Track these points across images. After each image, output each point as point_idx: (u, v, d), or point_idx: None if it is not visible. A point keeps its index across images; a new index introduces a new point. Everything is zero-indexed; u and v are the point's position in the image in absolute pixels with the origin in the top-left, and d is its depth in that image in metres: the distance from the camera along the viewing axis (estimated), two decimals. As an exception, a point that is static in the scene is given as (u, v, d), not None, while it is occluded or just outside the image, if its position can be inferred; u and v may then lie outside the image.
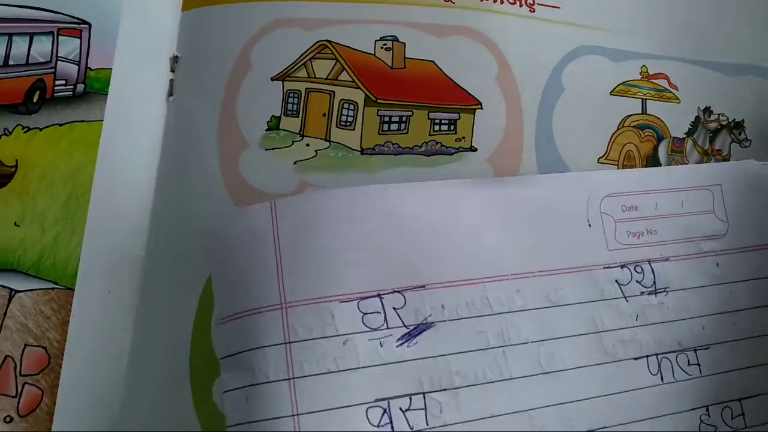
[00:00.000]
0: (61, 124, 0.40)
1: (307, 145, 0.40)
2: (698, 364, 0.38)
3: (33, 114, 0.40)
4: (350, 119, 0.40)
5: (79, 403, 0.37)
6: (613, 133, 0.43)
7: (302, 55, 0.40)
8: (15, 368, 0.37)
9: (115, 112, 0.40)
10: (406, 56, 0.41)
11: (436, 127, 0.40)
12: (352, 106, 0.40)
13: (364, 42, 0.39)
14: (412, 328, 0.35)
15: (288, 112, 0.40)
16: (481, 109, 0.40)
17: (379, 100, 0.40)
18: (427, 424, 0.34)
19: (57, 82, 0.40)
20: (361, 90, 0.40)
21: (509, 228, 0.36)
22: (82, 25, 0.39)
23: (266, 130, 0.39)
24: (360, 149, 0.39)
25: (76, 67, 0.40)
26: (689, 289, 0.38)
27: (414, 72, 0.42)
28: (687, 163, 0.43)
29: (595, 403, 0.36)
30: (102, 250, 0.37)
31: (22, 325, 0.37)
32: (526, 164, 0.40)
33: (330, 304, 0.34)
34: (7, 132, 0.39)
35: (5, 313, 0.37)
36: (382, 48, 0.41)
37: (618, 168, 0.41)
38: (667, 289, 0.38)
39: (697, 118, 0.43)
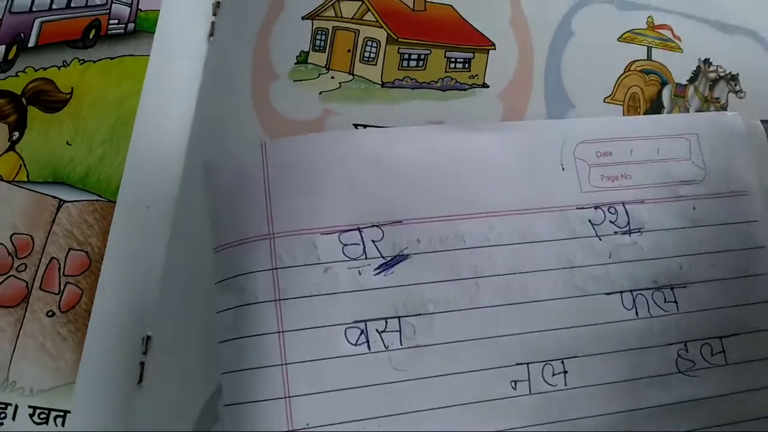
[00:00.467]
0: (112, 58, 0.43)
1: (332, 77, 0.41)
2: (675, 302, 0.38)
3: (89, 48, 0.43)
4: (373, 55, 0.41)
5: (115, 302, 0.39)
6: (620, 76, 0.43)
7: None
8: (59, 269, 0.39)
9: (161, 49, 0.42)
10: (427, 0, 0.43)
11: (452, 65, 0.41)
12: (375, 44, 0.41)
13: (388, -14, 0.33)
14: (388, 258, 0.35)
15: (316, 48, 0.41)
16: (495, 49, 0.41)
17: (400, 39, 0.41)
18: (401, 345, 0.35)
19: (111, 22, 0.43)
20: (384, 29, 0.41)
21: (483, 170, 0.37)
22: None
23: (295, 63, 0.40)
24: (381, 83, 0.41)
25: (128, 9, 0.43)
26: (665, 230, 0.39)
27: (433, 14, 0.43)
28: (689, 108, 0.44)
29: (566, 333, 0.37)
30: (142, 169, 0.40)
31: (68, 231, 0.40)
32: (535, 101, 0.41)
33: (313, 236, 0.35)
34: (65, 63, 0.42)
35: (54, 221, 0.40)
36: None
37: (623, 108, 0.43)
38: (641, 230, 0.38)
39: (698, 67, 0.44)
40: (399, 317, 0.36)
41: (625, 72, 0.43)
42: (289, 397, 0.34)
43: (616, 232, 0.38)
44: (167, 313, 0.38)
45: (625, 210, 0.39)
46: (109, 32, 0.42)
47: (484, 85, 0.41)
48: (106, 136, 0.41)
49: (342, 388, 0.34)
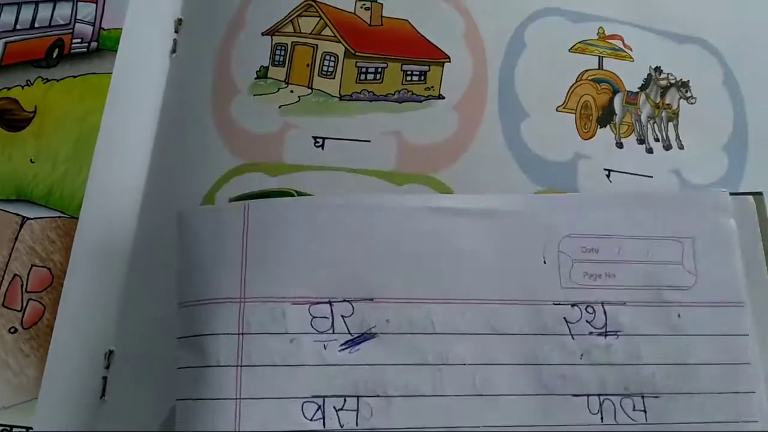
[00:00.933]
0: (75, 76, 0.44)
1: (291, 91, 0.43)
2: (644, 411, 0.37)
3: (52, 68, 0.44)
4: (331, 69, 0.44)
5: (77, 318, 0.40)
6: (572, 85, 0.45)
7: (290, 12, 0.45)
8: (22, 286, 0.41)
9: (123, 67, 0.44)
10: (383, 15, 0.45)
11: (408, 78, 0.44)
12: (333, 58, 0.44)
13: (345, 2, 0.45)
14: (356, 335, 0.36)
15: (275, 63, 0.44)
16: (449, 62, 0.44)
17: (357, 53, 0.44)
18: (357, 425, 0.35)
19: (74, 41, 0.45)
20: (342, 44, 0.44)
21: (463, 256, 0.37)
22: None
23: (255, 78, 0.43)
24: (339, 96, 0.43)
25: (91, 28, 0.45)
26: (643, 336, 0.38)
27: (389, 29, 0.45)
28: (641, 114, 0.46)
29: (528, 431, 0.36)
30: (105, 185, 0.42)
31: (30, 248, 0.41)
32: (490, 112, 0.44)
33: (283, 305, 0.36)
34: (29, 83, 0.44)
35: (17, 238, 0.41)
36: (361, 8, 0.45)
37: (575, 117, 0.44)
38: (618, 333, 0.37)
39: (649, 75, 0.46)
40: (358, 396, 0.36)
41: (577, 81, 0.45)
42: (238, 464, 0.33)
43: (591, 333, 0.37)
44: (130, 328, 0.40)
45: (604, 311, 0.38)
46: (72, 51, 0.45)
47: (440, 97, 0.44)
48: (69, 153, 0.43)
49: (292, 461, 0.34)
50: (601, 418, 0.37)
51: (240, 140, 0.42)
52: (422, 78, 0.44)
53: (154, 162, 0.43)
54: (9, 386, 0.39)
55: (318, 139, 0.42)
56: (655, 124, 0.45)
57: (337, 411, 0.35)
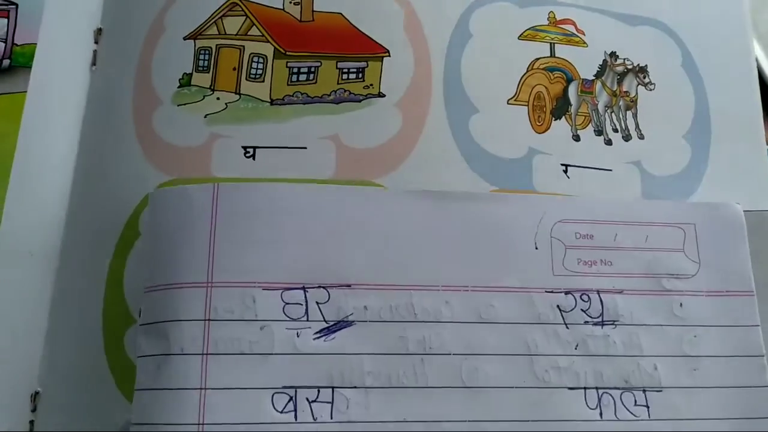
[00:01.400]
0: None
1: (218, 98, 0.42)
2: (647, 406, 0.36)
3: None
4: (260, 72, 0.43)
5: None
6: (523, 76, 0.45)
7: (214, 13, 0.44)
8: None
9: (39, 84, 0.43)
10: (315, 9, 0.44)
11: (345, 76, 0.43)
12: (261, 59, 0.43)
13: (273, -2, 0.52)
14: (331, 323, 0.35)
15: (199, 69, 0.43)
16: (389, 56, 0.44)
17: (287, 53, 0.43)
18: (332, 418, 0.34)
19: None
20: (271, 43, 0.43)
21: (446, 240, 0.37)
22: (9, 6, 0.44)
23: (178, 87, 0.43)
24: (270, 100, 0.42)
25: (2, 44, 0.44)
26: (643, 326, 0.37)
27: (322, 24, 0.44)
28: (597, 104, 0.45)
29: (519, 426, 0.35)
30: (23, 214, 0.40)
31: None
32: (435, 108, 0.43)
33: (253, 290, 0.35)
34: None
35: None
36: (290, 3, 0.44)
37: (528, 109, 0.43)
38: (616, 322, 0.37)
39: (605, 61, 0.46)
40: (333, 387, 0.34)
41: (528, 71, 0.45)
42: (201, 461, 0.39)
43: (586, 322, 0.36)
44: (55, 368, 0.38)
45: (600, 299, 0.37)
46: (-18, 70, 0.50)
47: (380, 95, 0.43)
48: (-18, 180, 0.48)
49: (259, 458, 0.39)
50: (600, 414, 0.36)
51: (164, 154, 0.42)
52: (360, 75, 0.44)
53: (76, 184, 0.43)
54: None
55: (248, 149, 0.42)
56: (613, 114, 0.46)
57: (310, 402, 0.34)
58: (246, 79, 0.43)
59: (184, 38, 0.44)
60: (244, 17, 0.44)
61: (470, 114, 0.44)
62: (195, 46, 0.44)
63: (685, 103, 0.46)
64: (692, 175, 0.44)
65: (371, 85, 0.43)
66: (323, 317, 0.35)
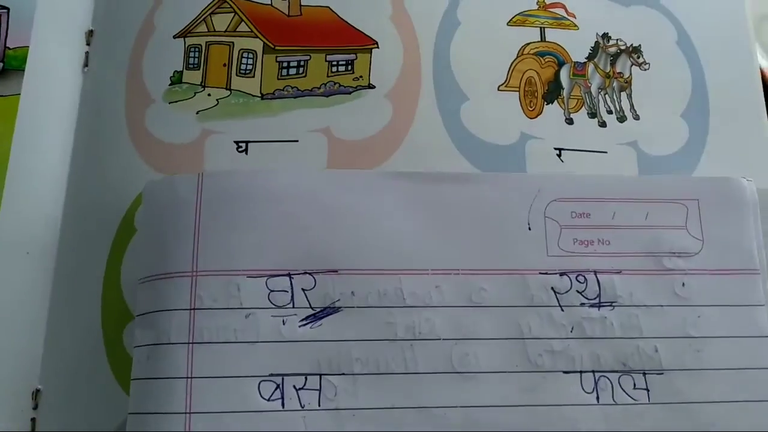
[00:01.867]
0: None
1: (209, 95, 0.42)
2: (646, 389, 0.34)
3: None
4: (250, 67, 0.43)
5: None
6: (513, 61, 0.44)
7: (202, 11, 0.44)
8: None
9: (32, 86, 0.43)
10: (302, 4, 0.44)
11: (334, 69, 0.43)
12: (251, 55, 0.43)
13: (261, -6, 0.53)
14: (318, 310, 0.34)
15: (189, 66, 0.43)
16: (378, 48, 0.44)
17: (277, 47, 0.43)
18: (319, 405, 0.33)
19: None
20: (260, 38, 0.43)
21: (435, 222, 0.36)
22: (1, 11, 0.44)
23: (169, 85, 0.43)
24: (260, 95, 0.42)
25: None
26: (642, 307, 0.35)
27: (310, 18, 0.44)
28: (590, 86, 0.43)
29: (512, 411, 0.34)
30: (20, 214, 0.40)
31: None
32: (425, 98, 0.42)
33: (238, 278, 0.34)
34: None
35: None
36: None
37: (519, 94, 0.43)
38: (614, 304, 0.35)
39: (597, 43, 0.45)
40: (320, 374, 0.33)
41: (518, 57, 0.44)
42: (190, 447, 0.39)
43: (583, 304, 0.35)
44: (56, 365, 0.38)
45: (597, 279, 0.35)
46: (-25, 74, 0.52)
47: (370, 86, 0.43)
48: (-22, 182, 0.49)
49: (247, 445, 0.40)
50: (597, 398, 0.34)
51: (157, 152, 0.42)
52: (349, 68, 0.43)
53: (71, 184, 0.43)
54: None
55: (241, 144, 0.42)
56: (607, 95, 0.45)
57: (297, 390, 0.34)
58: (236, 75, 0.43)
59: (174, 37, 0.44)
60: (233, 14, 0.44)
61: (461, 102, 0.43)
62: (185, 44, 0.44)
63: (682, 82, 0.45)
64: (691, 153, 0.43)
65: (361, 76, 0.43)
66: (309, 304, 0.35)
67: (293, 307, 0.34)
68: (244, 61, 0.43)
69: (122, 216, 0.40)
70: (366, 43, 0.44)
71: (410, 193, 0.36)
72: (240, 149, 0.41)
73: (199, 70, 0.43)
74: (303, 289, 0.34)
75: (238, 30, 0.44)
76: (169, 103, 0.43)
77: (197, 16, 0.45)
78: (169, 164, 0.41)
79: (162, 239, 0.36)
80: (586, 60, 0.45)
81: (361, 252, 0.35)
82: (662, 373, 0.35)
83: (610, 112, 0.44)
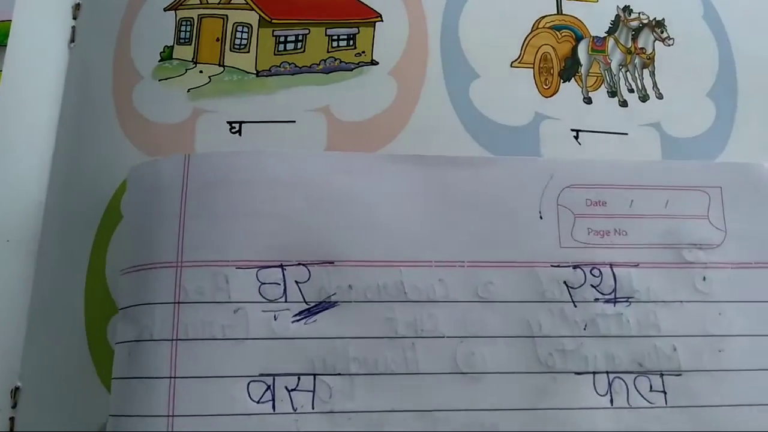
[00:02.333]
0: None
1: (201, 72, 0.40)
2: (663, 392, 0.32)
3: None
4: (244, 42, 0.40)
5: None
6: (527, 36, 0.41)
7: None
8: None
9: (15, 63, 0.41)
10: None
11: (335, 44, 0.40)
12: (245, 29, 0.41)
13: (257, -36, 0.51)
14: (312, 304, 0.32)
15: (181, 41, 0.41)
16: (381, 21, 0.41)
17: (273, 20, 0.41)
18: (313, 408, 0.31)
19: None
20: (255, 11, 0.41)
21: (439, 210, 0.34)
22: None
23: (159, 61, 0.40)
24: (255, 72, 0.40)
25: None
26: (660, 303, 0.33)
27: None
28: (610, 63, 0.40)
29: (520, 415, 0.32)
30: (2, 197, 0.38)
31: None
32: (432, 74, 0.40)
33: (226, 269, 0.32)
34: None
35: None
36: None
37: (534, 71, 0.40)
38: (630, 299, 0.33)
39: (617, 16, 0.42)
40: (315, 375, 0.32)
41: (532, 31, 0.41)
42: (172, 453, 0.38)
43: (597, 300, 0.33)
44: (36, 361, 0.36)
45: (613, 273, 0.33)
46: (-46, 50, 0.50)
47: (373, 62, 0.40)
48: (-42, 168, 0.47)
49: (234, 452, 0.38)
50: (611, 400, 0.33)
51: (146, 133, 0.39)
52: (351, 42, 0.40)
53: (55, 167, 0.40)
54: None
55: (234, 124, 0.39)
56: (628, 73, 0.42)
57: (289, 391, 0.32)
58: (230, 50, 0.40)
59: (165, 9, 0.42)
60: (227, -16, 0.48)
61: (470, 80, 0.41)
62: (176, 17, 0.41)
63: (709, 58, 0.42)
64: (718, 135, 0.40)
65: (363, 52, 0.41)
66: (303, 298, 0.33)
67: (286, 302, 0.32)
68: (238, 35, 0.41)
69: (108, 201, 0.39)
70: (369, 16, 0.41)
71: (413, 178, 0.34)
72: (233, 130, 0.39)
73: (190, 45, 0.41)
74: (296, 282, 0.33)
75: (232, 2, 0.42)
76: (159, 80, 0.40)
77: (190, -14, 0.48)
78: (158, 146, 0.39)
79: (145, 226, 0.34)
80: (605, 34, 0.42)
81: (360, 242, 0.33)
82: (680, 375, 0.33)
83: (631, 90, 0.41)
